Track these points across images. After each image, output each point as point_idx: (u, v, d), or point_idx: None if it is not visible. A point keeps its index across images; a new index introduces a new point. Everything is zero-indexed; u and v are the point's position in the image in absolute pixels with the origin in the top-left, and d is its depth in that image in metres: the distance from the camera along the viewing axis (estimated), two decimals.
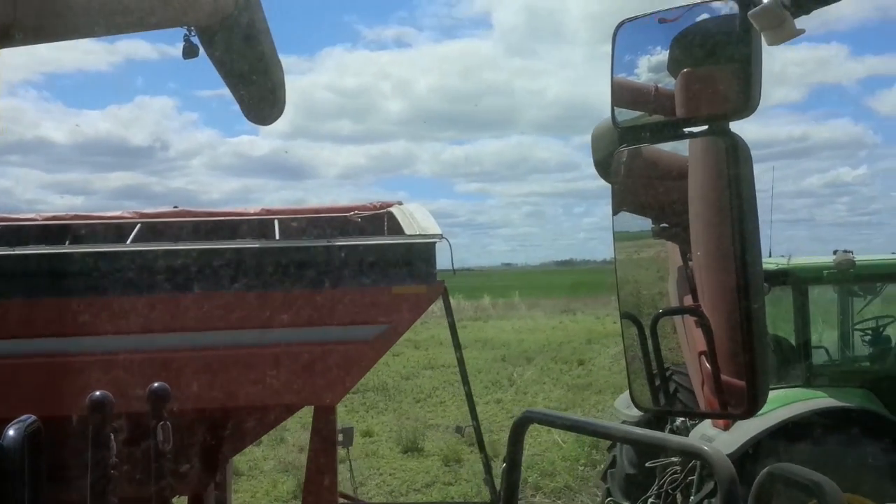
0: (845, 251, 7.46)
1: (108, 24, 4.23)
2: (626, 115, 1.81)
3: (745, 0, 1.48)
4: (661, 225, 1.88)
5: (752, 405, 1.62)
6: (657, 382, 1.90)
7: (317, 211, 7.18)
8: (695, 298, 1.79)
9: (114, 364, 5.21)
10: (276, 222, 6.75)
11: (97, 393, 2.53)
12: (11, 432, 2.09)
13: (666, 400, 1.96)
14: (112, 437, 2.57)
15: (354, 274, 5.63)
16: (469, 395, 6.87)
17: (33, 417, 2.24)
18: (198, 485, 5.75)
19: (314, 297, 5.59)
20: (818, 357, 7.95)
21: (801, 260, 7.82)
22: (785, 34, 1.38)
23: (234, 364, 5.49)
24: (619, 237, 1.89)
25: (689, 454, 2.11)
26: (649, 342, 1.88)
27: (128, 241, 6.17)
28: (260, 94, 5.92)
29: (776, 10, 1.36)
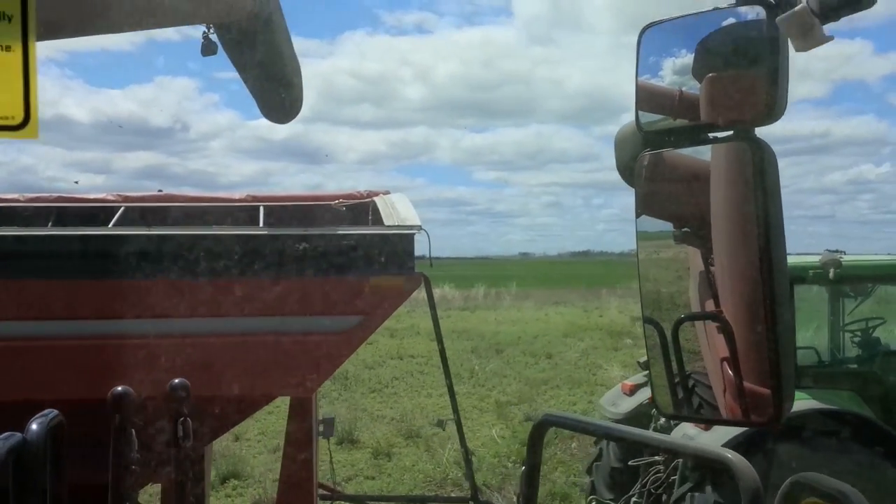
0: (833, 251, 7.36)
1: (131, 20, 4.25)
2: (650, 118, 1.80)
3: (773, 5, 1.47)
4: (683, 229, 1.87)
5: (777, 412, 1.61)
6: (679, 388, 1.89)
7: (302, 199, 7.11)
8: (717, 304, 1.78)
9: (80, 350, 5.22)
10: (261, 209, 6.70)
11: (119, 388, 2.55)
12: (34, 426, 2.11)
13: (687, 406, 1.95)
14: (133, 432, 2.59)
15: (331, 264, 5.54)
16: (450, 388, 6.86)
17: (55, 412, 2.26)
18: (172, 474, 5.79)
19: (288, 285, 5.54)
20: (805, 358, 7.87)
21: (789, 259, 7.71)
22: (813, 41, 1.37)
23: (206, 352, 5.47)
24: (643, 238, 1.88)
25: (711, 461, 2.10)
26: (671, 347, 1.88)
27: (110, 225, 6.10)
28: (277, 92, 5.93)
29: (805, 17, 1.34)
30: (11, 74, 1.16)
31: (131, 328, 5.33)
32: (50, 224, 6.46)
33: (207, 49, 5.61)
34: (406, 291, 5.80)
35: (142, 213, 6.59)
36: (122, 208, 6.47)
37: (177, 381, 2.91)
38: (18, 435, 2.06)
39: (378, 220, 6.30)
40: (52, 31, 3.25)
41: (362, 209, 6.79)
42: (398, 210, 6.13)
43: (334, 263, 5.52)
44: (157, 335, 5.27)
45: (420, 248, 5.86)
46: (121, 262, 5.28)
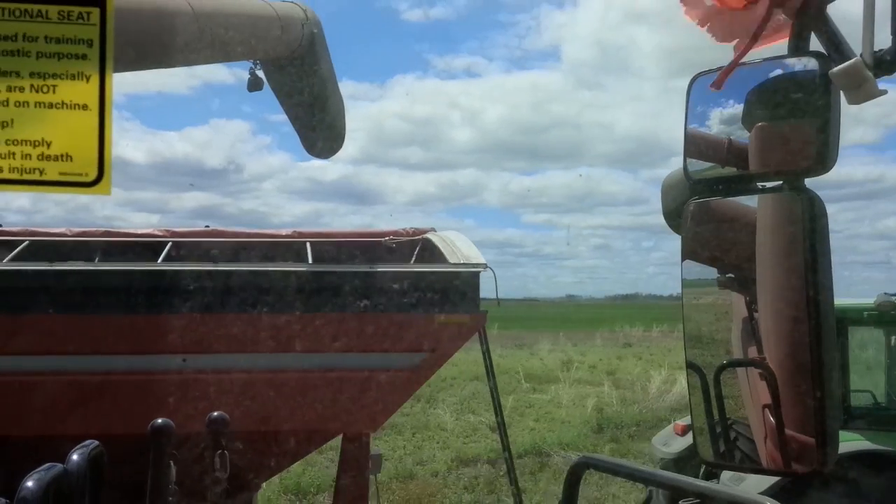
0: (888, 294, 7.32)
1: (181, 57, 4.38)
2: (698, 166, 1.82)
3: (826, 57, 1.48)
4: (728, 275, 1.88)
5: (822, 461, 1.60)
6: (720, 435, 1.89)
7: (348, 235, 7.21)
8: (759, 351, 1.78)
9: (141, 385, 5.24)
10: (307, 245, 6.78)
11: (159, 420, 2.58)
12: (75, 457, 2.14)
13: (728, 453, 1.94)
14: (172, 463, 2.61)
15: (397, 300, 5.60)
16: (501, 426, 6.80)
17: (96, 442, 2.29)
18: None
19: (354, 322, 5.58)
20: (859, 400, 7.79)
21: (843, 301, 7.68)
22: (866, 94, 1.38)
23: (271, 387, 5.48)
24: (688, 285, 1.89)
25: None
26: (712, 393, 1.88)
27: (159, 260, 6.17)
28: (320, 128, 6.03)
29: (859, 70, 1.36)
30: (87, 132, 1.19)
31: (198, 364, 5.38)
32: (97, 259, 6.52)
33: (254, 84, 5.77)
34: (471, 329, 5.80)
35: (189, 248, 6.67)
36: (170, 243, 6.55)
37: (216, 414, 2.94)
38: (59, 466, 2.09)
39: (428, 257, 6.33)
40: (129, 64, 3.37)
41: (411, 247, 6.83)
42: (460, 247, 6.15)
43: (400, 300, 5.56)
44: (219, 370, 5.31)
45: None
46: (188, 298, 5.34)
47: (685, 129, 1.78)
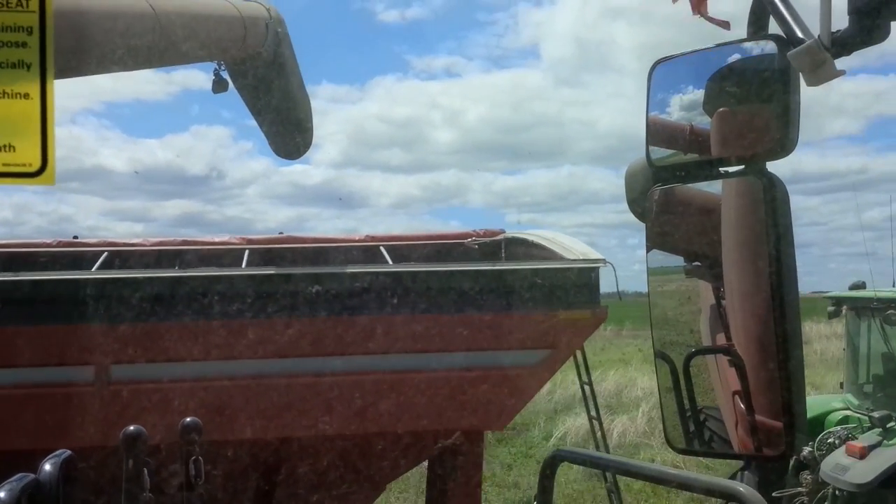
0: None
1: (142, 58, 4.33)
2: (661, 153, 1.82)
3: (784, 40, 1.48)
4: (694, 263, 1.88)
5: (788, 446, 1.60)
6: (690, 421, 1.89)
7: (419, 238, 7.27)
8: (727, 338, 1.78)
9: (273, 388, 5.25)
10: (381, 249, 6.79)
11: (131, 427, 2.54)
12: (48, 466, 2.11)
13: (699, 440, 1.94)
14: (145, 471, 2.57)
15: (519, 298, 5.57)
16: (599, 422, 6.75)
17: (68, 451, 2.25)
18: None
19: (480, 321, 5.54)
20: None
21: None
22: (825, 75, 1.37)
23: (399, 388, 5.46)
24: (654, 273, 1.89)
25: (723, 495, 2.08)
26: (682, 381, 1.87)
27: (243, 265, 6.21)
28: (286, 128, 6.01)
29: (817, 52, 1.35)
30: (30, 122, 1.17)
31: (315, 367, 5.34)
32: (176, 266, 6.51)
33: (219, 86, 5.72)
34: (593, 324, 5.79)
35: (266, 254, 6.67)
36: (247, 251, 6.54)
37: (188, 420, 2.89)
38: (31, 476, 2.06)
39: (513, 256, 6.31)
40: (70, 71, 3.31)
41: (493, 247, 6.84)
42: (570, 245, 6.12)
43: (522, 298, 5.52)
44: (343, 372, 5.27)
45: None
46: (318, 301, 5.27)
47: (646, 116, 1.77)
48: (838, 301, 8.56)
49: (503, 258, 6.69)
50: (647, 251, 1.88)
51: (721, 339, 1.80)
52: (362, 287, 5.38)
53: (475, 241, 6.92)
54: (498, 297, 5.52)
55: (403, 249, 6.94)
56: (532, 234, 6.61)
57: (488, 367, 5.55)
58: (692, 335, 1.95)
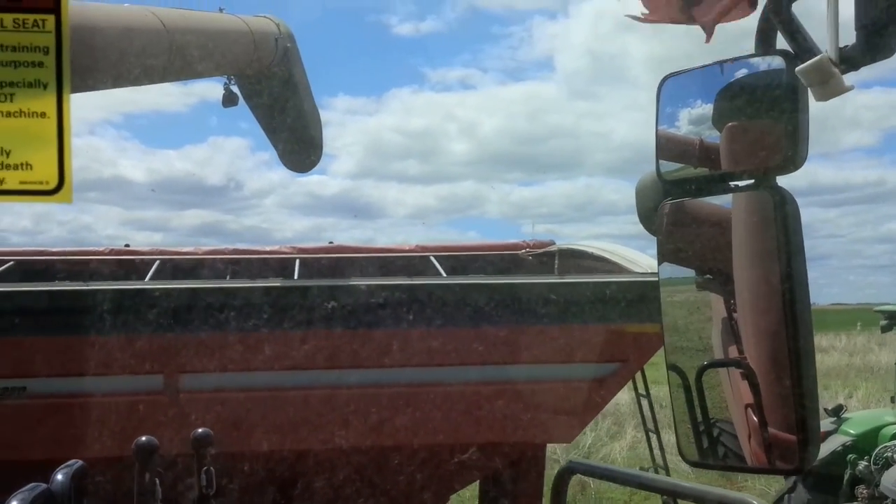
0: None
1: (154, 73, 4.36)
2: (670, 167, 1.83)
3: (792, 55, 1.49)
4: (706, 276, 1.88)
5: (802, 460, 1.60)
6: (703, 435, 1.88)
7: (469, 249, 7.24)
8: (740, 351, 1.78)
9: (338, 398, 5.23)
10: (431, 259, 6.79)
11: (143, 438, 2.56)
12: (59, 476, 2.12)
13: (713, 453, 1.94)
14: (157, 481, 2.59)
15: (588, 311, 5.54)
16: (657, 436, 6.67)
17: (80, 462, 2.26)
18: None
19: (548, 334, 5.52)
20: None
21: None
22: (833, 90, 1.38)
23: (465, 400, 5.44)
24: (665, 284, 1.90)
25: None
26: (694, 394, 1.87)
27: (295, 276, 6.23)
28: (296, 142, 6.03)
29: (825, 67, 1.36)
30: (46, 141, 1.18)
31: (378, 378, 5.34)
32: (228, 276, 6.60)
33: (228, 100, 5.75)
34: (661, 338, 5.74)
35: (316, 263, 6.73)
36: (298, 260, 6.59)
37: (200, 431, 2.91)
38: (43, 485, 2.07)
39: (567, 269, 6.29)
40: (86, 87, 3.35)
41: (548, 258, 6.82)
42: (633, 257, 6.12)
43: (593, 311, 5.50)
44: (412, 384, 5.28)
45: None
46: (381, 313, 5.29)
47: (656, 130, 1.78)
48: (892, 315, 8.59)
49: (556, 270, 6.66)
50: (659, 264, 1.89)
51: (733, 352, 1.80)
52: (433, 299, 5.37)
53: (528, 252, 6.90)
54: (567, 310, 5.49)
55: (453, 260, 6.92)
56: (589, 246, 6.58)
57: (557, 381, 5.55)
58: (701, 341, 1.96)
